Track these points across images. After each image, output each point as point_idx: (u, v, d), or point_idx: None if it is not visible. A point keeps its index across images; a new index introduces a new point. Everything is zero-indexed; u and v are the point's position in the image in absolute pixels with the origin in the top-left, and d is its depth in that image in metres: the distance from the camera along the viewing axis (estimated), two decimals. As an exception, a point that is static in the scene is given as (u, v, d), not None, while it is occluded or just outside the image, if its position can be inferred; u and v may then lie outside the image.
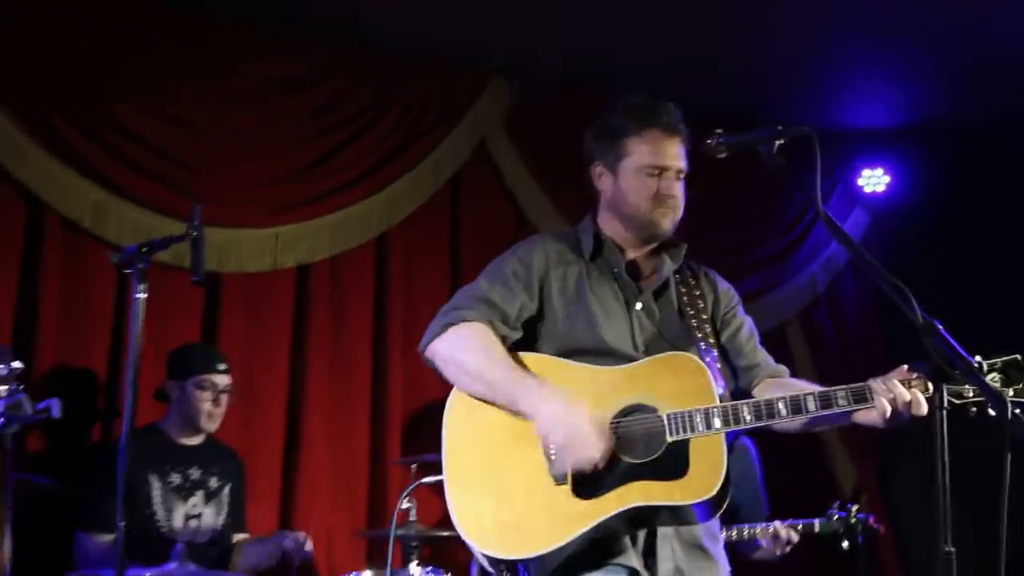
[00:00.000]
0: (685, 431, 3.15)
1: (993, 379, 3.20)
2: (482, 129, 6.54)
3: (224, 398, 5.27)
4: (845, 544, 5.25)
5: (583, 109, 3.81)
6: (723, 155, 3.20)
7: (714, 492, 3.15)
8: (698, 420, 3.16)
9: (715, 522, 3.39)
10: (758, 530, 5.37)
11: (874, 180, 7.37)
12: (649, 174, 3.39)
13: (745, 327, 3.64)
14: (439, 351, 3.30)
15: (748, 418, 3.17)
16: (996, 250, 6.89)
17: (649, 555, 3.23)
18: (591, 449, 3.07)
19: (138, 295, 3.75)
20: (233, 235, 5.86)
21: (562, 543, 3.12)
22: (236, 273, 5.91)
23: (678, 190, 3.44)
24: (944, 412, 2.80)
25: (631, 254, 3.55)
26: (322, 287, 6.18)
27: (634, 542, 3.21)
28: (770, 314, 7.01)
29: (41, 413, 3.91)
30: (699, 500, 3.17)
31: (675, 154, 3.42)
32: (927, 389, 3.17)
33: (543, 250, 3.48)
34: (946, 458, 2.79)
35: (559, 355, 3.37)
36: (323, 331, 6.16)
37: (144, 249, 3.83)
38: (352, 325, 6.25)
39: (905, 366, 3.20)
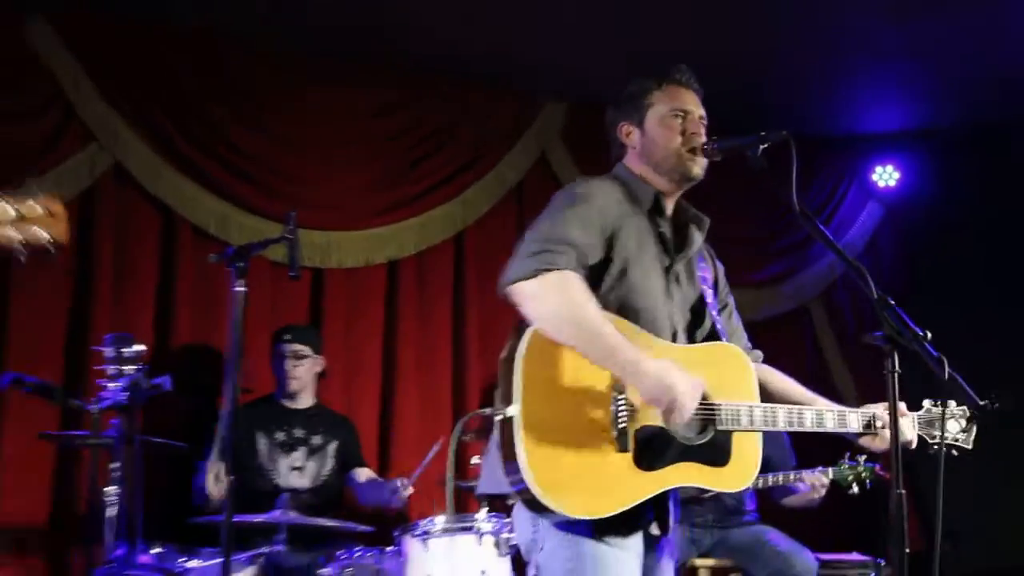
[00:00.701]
0: (733, 423, 3.09)
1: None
2: (542, 143, 6.58)
3: (294, 363, 5.36)
4: (855, 489, 5.23)
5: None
6: (717, 159, 3.17)
7: (746, 487, 3.20)
8: (744, 416, 3.10)
9: None
10: (786, 477, 5.39)
11: (886, 176, 7.29)
12: (674, 116, 3.22)
13: (735, 309, 3.52)
14: (529, 292, 2.96)
15: (780, 423, 3.15)
16: (994, 239, 6.85)
17: (663, 514, 3.17)
18: (691, 408, 2.93)
19: (237, 288, 3.83)
20: (332, 237, 5.98)
21: (621, 510, 2.98)
22: (336, 268, 6.03)
23: (703, 133, 3.25)
24: (895, 376, 2.80)
25: (666, 206, 3.32)
26: (409, 279, 6.25)
27: (657, 503, 3.12)
28: (794, 296, 7.10)
29: (156, 388, 4.13)
30: (733, 491, 3.19)
31: (694, 102, 3.28)
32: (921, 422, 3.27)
33: (615, 198, 3.21)
34: (898, 417, 2.84)
35: (613, 309, 3.11)
36: (410, 316, 6.22)
37: (238, 252, 3.90)
38: (435, 310, 6.31)
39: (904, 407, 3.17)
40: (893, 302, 2.86)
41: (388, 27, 5.88)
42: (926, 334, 2.89)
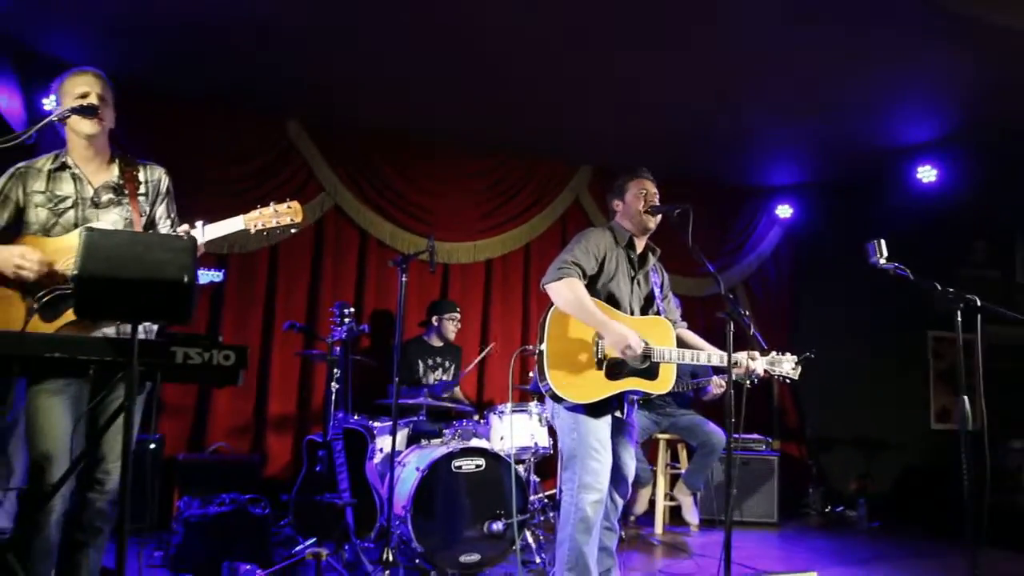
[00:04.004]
0: (660, 358, 3.28)
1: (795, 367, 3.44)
2: (576, 191, 6.66)
3: (457, 324, 5.53)
4: (748, 384, 5.23)
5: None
6: (656, 216, 3.39)
7: (668, 390, 3.36)
8: (666, 354, 3.28)
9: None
10: (706, 382, 5.41)
11: (785, 211, 7.19)
12: (640, 193, 3.42)
13: (672, 297, 3.69)
14: (554, 289, 3.24)
15: (686, 359, 3.30)
16: (846, 252, 6.24)
17: (623, 405, 3.38)
18: (638, 350, 3.16)
19: (403, 279, 4.12)
20: (456, 246, 6.23)
21: (597, 399, 3.23)
22: (456, 264, 6.27)
23: (656, 201, 3.42)
24: (731, 336, 3.10)
25: (637, 245, 3.48)
26: (498, 271, 6.45)
27: (618, 399, 3.33)
28: (727, 282, 6.88)
29: (361, 331, 4.45)
30: (659, 393, 3.35)
31: (650, 184, 3.46)
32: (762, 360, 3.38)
33: (604, 240, 3.40)
34: (747, 360, 3.25)
35: (602, 298, 3.33)
36: (498, 292, 6.43)
37: (403, 258, 4.20)
38: (512, 289, 6.50)
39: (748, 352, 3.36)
40: (732, 296, 3.22)
41: (485, 125, 5.91)
42: (746, 313, 3.34)
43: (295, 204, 2.78)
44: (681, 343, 3.51)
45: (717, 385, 5.35)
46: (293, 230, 2.78)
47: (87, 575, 2.60)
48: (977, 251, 7.08)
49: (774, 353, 3.47)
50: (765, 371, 3.43)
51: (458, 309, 5.60)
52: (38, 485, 2.42)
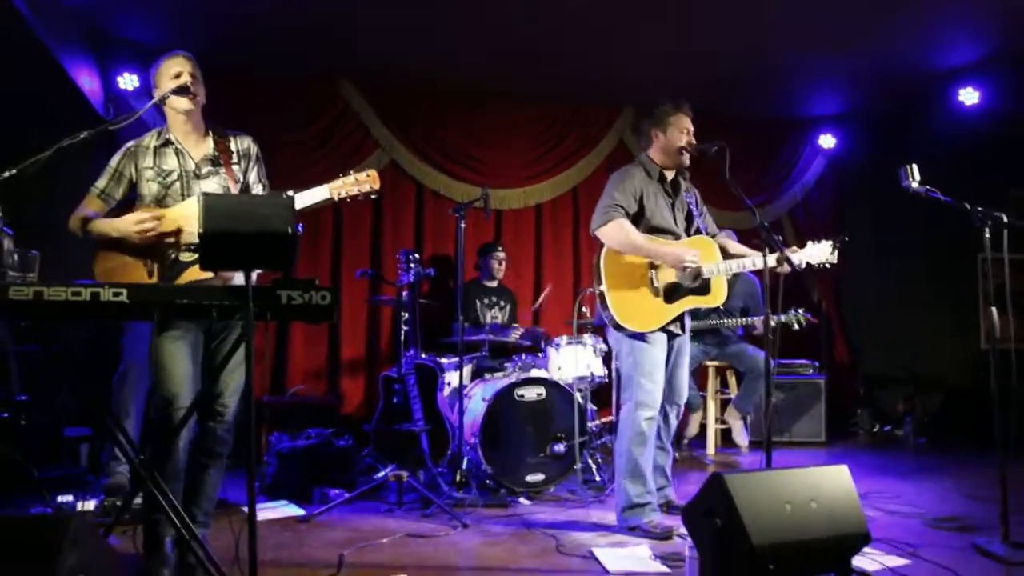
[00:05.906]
0: (710, 273, 3.48)
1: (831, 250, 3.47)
2: (620, 132, 6.68)
3: (503, 263, 5.73)
4: (796, 326, 5.24)
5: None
6: (695, 154, 3.52)
7: (722, 302, 3.58)
8: (714, 268, 3.50)
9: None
10: (753, 320, 5.56)
11: (828, 141, 7.12)
12: (682, 130, 3.55)
13: (707, 213, 3.81)
14: (604, 231, 3.42)
15: (734, 268, 3.48)
16: (886, 181, 5.89)
17: (681, 323, 3.59)
18: (695, 262, 3.37)
19: (462, 225, 4.37)
20: (506, 193, 6.37)
21: (663, 324, 3.45)
22: (508, 210, 6.43)
23: (692, 139, 3.56)
24: (766, 254, 3.22)
25: (667, 176, 3.63)
26: (547, 213, 6.58)
27: (677, 318, 3.52)
28: (772, 213, 7.09)
29: (427, 275, 4.70)
30: (714, 306, 3.56)
31: (690, 122, 3.59)
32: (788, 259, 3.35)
33: (639, 177, 3.53)
34: (786, 263, 3.26)
35: (645, 231, 3.50)
36: (548, 234, 6.57)
37: (461, 206, 4.44)
38: (562, 231, 6.63)
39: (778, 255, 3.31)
40: (766, 224, 3.28)
41: (529, 73, 5.97)
42: (778, 238, 3.34)
43: (373, 172, 2.89)
44: (723, 251, 3.66)
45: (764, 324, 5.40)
46: (372, 196, 2.88)
47: (210, 491, 2.98)
48: (1028, 169, 6.96)
49: (811, 243, 3.50)
50: (807, 263, 3.48)
51: (500, 247, 5.78)
52: (167, 417, 2.76)
